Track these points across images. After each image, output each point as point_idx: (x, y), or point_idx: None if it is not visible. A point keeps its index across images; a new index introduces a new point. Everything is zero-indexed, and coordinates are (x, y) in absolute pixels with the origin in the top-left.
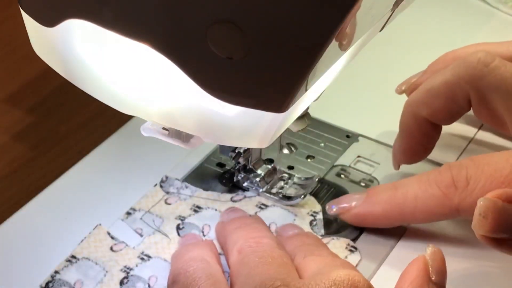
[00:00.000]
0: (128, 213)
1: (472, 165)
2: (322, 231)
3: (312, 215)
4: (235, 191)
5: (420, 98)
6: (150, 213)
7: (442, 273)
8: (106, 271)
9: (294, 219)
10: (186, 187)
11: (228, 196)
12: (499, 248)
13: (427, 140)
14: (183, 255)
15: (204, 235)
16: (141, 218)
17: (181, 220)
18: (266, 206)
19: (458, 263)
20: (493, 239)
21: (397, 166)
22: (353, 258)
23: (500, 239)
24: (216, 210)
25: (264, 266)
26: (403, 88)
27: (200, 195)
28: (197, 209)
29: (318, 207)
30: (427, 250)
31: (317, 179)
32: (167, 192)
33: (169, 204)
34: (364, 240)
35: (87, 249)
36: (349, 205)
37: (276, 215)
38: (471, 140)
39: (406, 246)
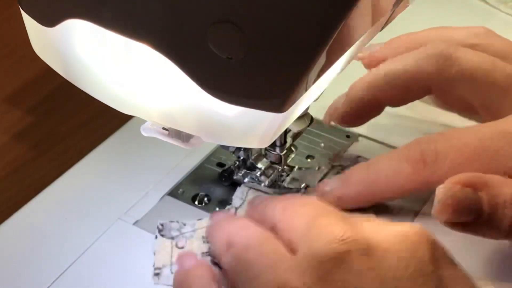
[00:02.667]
0: (156, 274)
1: (441, 140)
2: None
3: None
4: (223, 208)
5: (377, 82)
6: (175, 264)
7: None
8: None
9: None
10: (184, 224)
11: None
12: (462, 230)
13: (370, 116)
14: (229, 223)
15: None
16: (172, 273)
17: (209, 255)
18: None
19: None
20: (456, 222)
21: (328, 122)
22: None
23: (463, 223)
24: None
25: (324, 217)
26: (359, 55)
27: (201, 225)
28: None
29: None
30: None
31: (317, 168)
32: (172, 238)
33: (182, 247)
34: None
35: None
36: (327, 189)
37: None
38: None
39: None
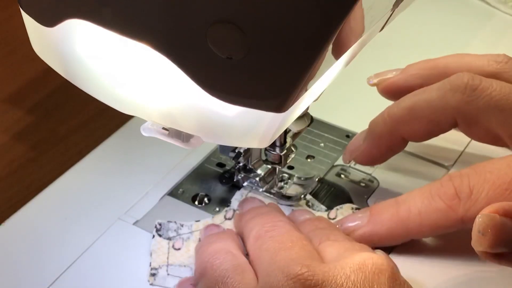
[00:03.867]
0: (153, 274)
1: (474, 174)
2: (322, 206)
3: (303, 198)
4: (223, 208)
5: (401, 116)
6: (171, 265)
7: None
8: None
9: (293, 209)
10: (182, 225)
11: (221, 216)
12: (498, 262)
13: (392, 153)
14: (207, 248)
15: None
16: (168, 274)
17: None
18: None
19: (458, 270)
20: (493, 253)
21: (348, 161)
22: None
23: (500, 253)
24: None
25: (286, 251)
26: (375, 81)
27: (198, 227)
28: None
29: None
30: None
31: (317, 179)
32: (169, 238)
33: (178, 249)
34: None
35: None
36: (353, 226)
37: None
38: (471, 140)
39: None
